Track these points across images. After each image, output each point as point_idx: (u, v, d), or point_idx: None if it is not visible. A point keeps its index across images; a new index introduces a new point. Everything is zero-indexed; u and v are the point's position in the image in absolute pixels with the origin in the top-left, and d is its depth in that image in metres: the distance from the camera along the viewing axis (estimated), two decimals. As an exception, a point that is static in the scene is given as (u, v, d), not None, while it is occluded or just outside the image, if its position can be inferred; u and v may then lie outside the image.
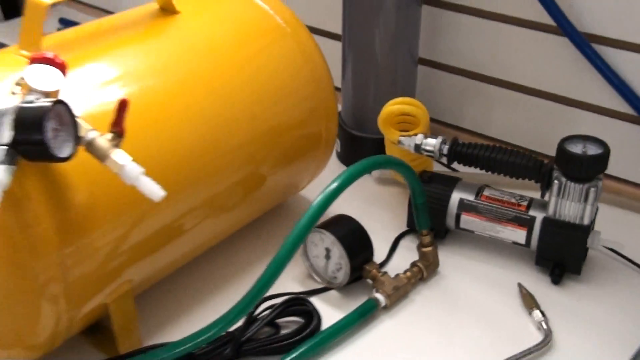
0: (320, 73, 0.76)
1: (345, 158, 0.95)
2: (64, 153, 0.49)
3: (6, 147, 0.48)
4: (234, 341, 0.65)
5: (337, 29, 0.92)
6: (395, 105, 0.79)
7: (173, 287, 0.73)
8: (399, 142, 0.79)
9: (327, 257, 0.73)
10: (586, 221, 0.71)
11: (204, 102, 0.66)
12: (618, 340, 0.67)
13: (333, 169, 0.81)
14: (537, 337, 0.67)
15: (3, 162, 0.47)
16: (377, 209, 0.84)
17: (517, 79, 0.90)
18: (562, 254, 0.74)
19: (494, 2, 0.88)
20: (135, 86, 0.61)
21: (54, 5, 0.60)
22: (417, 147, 0.78)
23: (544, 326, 0.68)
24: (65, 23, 1.37)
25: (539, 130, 0.90)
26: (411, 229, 0.81)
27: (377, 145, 0.86)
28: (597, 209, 0.74)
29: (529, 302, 0.71)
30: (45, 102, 0.48)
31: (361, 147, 0.92)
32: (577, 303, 0.72)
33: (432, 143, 0.77)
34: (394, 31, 0.87)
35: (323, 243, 0.73)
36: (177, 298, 0.72)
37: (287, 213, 0.84)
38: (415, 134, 0.78)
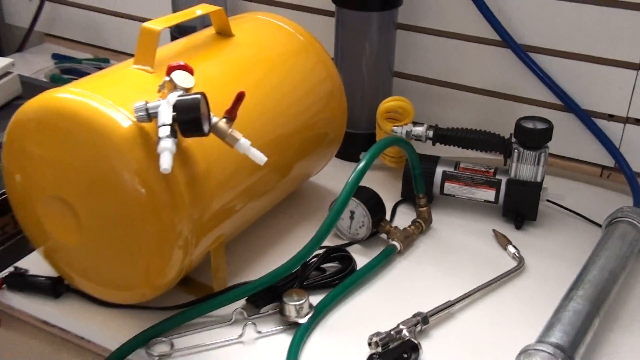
0: (337, 83, 0.98)
1: (341, 152, 1.17)
2: (206, 130, 0.69)
3: (170, 125, 0.67)
4: (298, 279, 0.85)
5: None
6: (390, 102, 1.03)
7: (242, 242, 0.93)
8: (393, 131, 1.02)
9: (352, 217, 0.94)
10: (539, 179, 0.97)
11: (261, 103, 0.86)
12: (568, 263, 0.92)
13: (332, 162, 1.05)
14: (512, 264, 0.92)
15: (170, 136, 0.67)
16: (375, 186, 1.07)
17: (470, 82, 1.16)
18: (522, 206, 0.99)
19: (450, 24, 1.13)
20: (221, 87, 0.81)
21: (162, 30, 0.79)
22: (408, 134, 1.02)
23: (517, 255, 0.93)
24: (58, 57, 1.52)
25: (488, 121, 1.16)
26: (405, 198, 1.04)
27: (366, 139, 1.09)
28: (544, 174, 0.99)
29: (504, 240, 0.95)
30: (196, 94, 0.68)
31: (353, 142, 1.14)
32: (535, 240, 0.97)
33: (419, 129, 1.01)
34: (376, 50, 1.10)
35: (348, 207, 0.94)
36: (247, 250, 0.92)
37: (300, 194, 1.05)
38: (406, 124, 1.02)
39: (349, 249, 0.93)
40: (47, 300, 0.84)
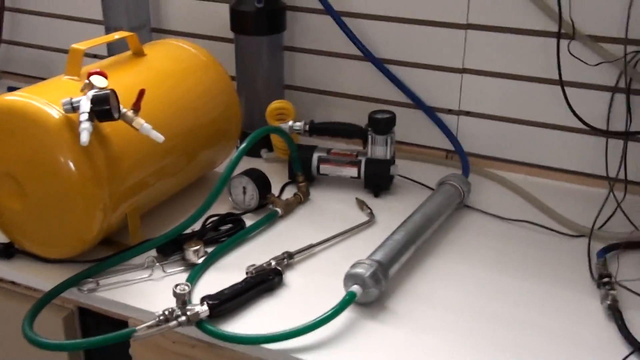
0: (231, 93, 1.24)
1: (244, 149, 1.43)
2: (116, 116, 0.94)
3: (88, 113, 0.92)
4: (197, 234, 1.10)
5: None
6: (275, 104, 1.29)
7: (157, 213, 1.17)
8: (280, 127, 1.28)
9: (244, 192, 1.20)
10: (389, 157, 1.23)
11: (166, 107, 1.12)
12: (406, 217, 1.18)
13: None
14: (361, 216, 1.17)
15: (89, 120, 0.92)
16: (269, 173, 1.31)
17: (343, 90, 1.43)
18: (378, 179, 1.25)
19: (324, 44, 1.41)
20: (131, 89, 1.07)
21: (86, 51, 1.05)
22: (291, 128, 1.28)
23: (370, 213, 1.18)
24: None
25: (359, 119, 1.41)
26: (291, 180, 1.30)
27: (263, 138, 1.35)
28: (394, 150, 1.26)
29: (361, 205, 1.21)
30: (107, 90, 0.94)
31: (254, 141, 1.40)
32: (388, 204, 1.22)
33: (298, 124, 1.28)
34: (267, 67, 1.37)
35: (241, 184, 1.19)
36: (160, 218, 1.16)
37: (208, 180, 1.30)
38: (288, 121, 1.29)
39: (243, 217, 1.18)
40: (1, 262, 1.07)
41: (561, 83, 1.19)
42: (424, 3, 1.29)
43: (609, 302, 0.94)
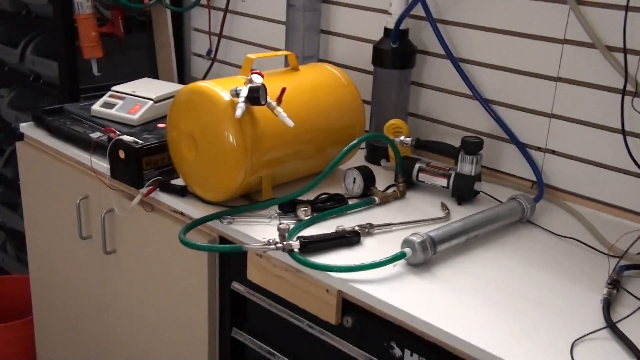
0: (359, 108, 1.60)
1: (367, 157, 1.76)
2: (262, 103, 1.34)
3: (244, 97, 1.33)
4: (309, 202, 1.45)
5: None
6: (392, 121, 1.63)
7: (284, 186, 1.54)
8: (395, 140, 1.61)
9: (354, 182, 1.53)
10: (474, 174, 1.51)
11: (303, 107, 1.50)
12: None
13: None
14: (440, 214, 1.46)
15: (244, 102, 1.32)
16: (382, 176, 1.63)
17: (452, 121, 1.73)
18: (462, 191, 1.53)
19: (443, 82, 1.72)
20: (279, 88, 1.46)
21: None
22: (401, 142, 1.60)
23: (447, 211, 1.47)
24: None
25: (458, 144, 1.70)
26: (395, 183, 1.61)
27: (384, 150, 1.68)
28: (479, 170, 1.53)
29: (443, 207, 1.50)
30: (258, 84, 1.34)
31: (376, 151, 1.74)
32: (467, 211, 1.49)
33: (408, 139, 1.60)
34: (395, 96, 1.71)
35: (353, 175, 1.53)
36: (285, 190, 1.53)
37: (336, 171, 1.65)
38: (401, 136, 1.61)
39: (349, 200, 1.52)
40: (178, 199, 1.50)
41: (623, 132, 1.41)
42: (526, 57, 1.57)
43: (605, 295, 1.16)
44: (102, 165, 1.64)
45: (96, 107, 1.84)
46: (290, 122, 1.37)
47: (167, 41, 2.33)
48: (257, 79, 1.38)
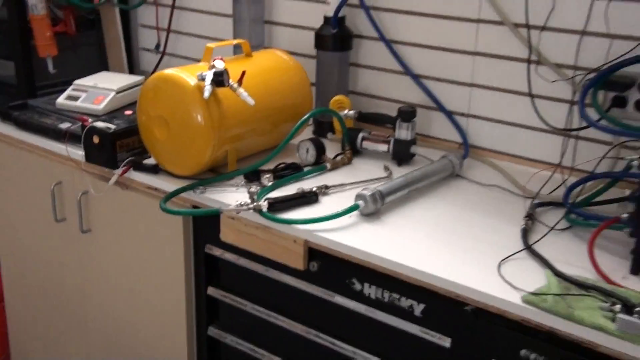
0: (307, 87, 1.81)
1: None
2: (226, 84, 1.53)
3: (211, 80, 1.51)
4: (271, 170, 1.65)
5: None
6: (336, 97, 1.84)
7: (247, 159, 1.73)
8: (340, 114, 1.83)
9: (307, 152, 1.74)
10: (410, 139, 1.74)
11: (260, 87, 1.70)
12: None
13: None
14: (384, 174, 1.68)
15: (210, 85, 1.51)
16: (330, 146, 1.85)
17: (389, 95, 1.96)
18: (401, 154, 1.76)
19: (378, 62, 1.95)
20: (238, 72, 1.65)
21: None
22: (345, 115, 1.82)
23: (390, 171, 1.69)
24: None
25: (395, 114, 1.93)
26: (342, 151, 1.83)
27: (328, 123, 1.90)
28: (414, 135, 1.76)
29: (386, 168, 1.73)
30: (222, 69, 1.53)
31: (323, 125, 1.95)
32: (404, 170, 1.72)
33: (351, 112, 1.81)
34: (337, 76, 1.93)
35: (306, 146, 1.74)
36: (248, 162, 1.72)
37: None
38: (345, 110, 1.83)
39: (304, 168, 1.73)
40: (151, 176, 1.67)
41: (531, 95, 1.67)
42: (448, 35, 1.81)
43: (522, 226, 1.41)
44: (74, 152, 1.79)
45: (61, 100, 1.99)
46: (251, 101, 1.57)
47: (116, 38, 2.47)
48: (220, 64, 1.56)
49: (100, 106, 1.93)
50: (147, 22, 2.49)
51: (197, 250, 1.68)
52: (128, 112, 1.87)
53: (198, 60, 1.71)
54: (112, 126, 1.70)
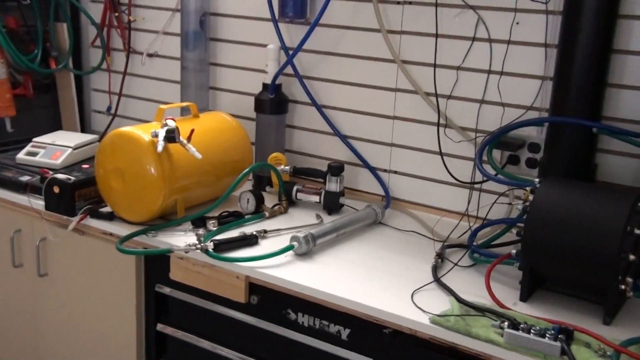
0: (247, 146, 2.03)
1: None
2: (177, 141, 1.73)
3: (164, 137, 1.71)
4: (215, 217, 1.84)
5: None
6: (273, 154, 2.06)
7: (194, 207, 1.91)
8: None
9: (248, 202, 1.94)
10: (339, 191, 1.96)
11: (206, 144, 1.90)
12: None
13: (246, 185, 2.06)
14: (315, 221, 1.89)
15: (163, 141, 1.70)
16: (268, 198, 2.05)
17: (320, 154, 2.19)
18: (330, 204, 1.97)
19: (311, 124, 2.18)
20: (187, 130, 1.85)
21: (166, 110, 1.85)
22: (282, 170, 2.03)
23: (321, 219, 1.90)
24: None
25: (324, 169, 2.16)
26: (279, 202, 2.03)
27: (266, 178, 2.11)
28: (343, 188, 1.98)
29: (317, 216, 1.94)
30: (173, 127, 1.73)
31: (261, 180, 2.15)
32: (333, 218, 1.94)
33: (287, 168, 2.03)
34: (274, 136, 2.15)
35: (246, 197, 1.94)
36: (195, 209, 1.90)
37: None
38: (281, 166, 2.04)
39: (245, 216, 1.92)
40: (107, 222, 1.83)
41: (441, 154, 1.92)
42: (371, 102, 2.06)
43: (433, 263, 1.63)
44: (33, 202, 1.94)
45: (21, 155, 2.14)
46: (198, 155, 1.77)
47: (71, 100, 2.64)
48: (171, 123, 1.76)
49: (58, 161, 2.09)
50: (98, 86, 2.68)
51: (147, 290, 1.83)
52: (85, 166, 2.04)
53: (147, 121, 1.90)
54: (72, 178, 1.87)
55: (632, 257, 1.40)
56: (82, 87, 2.72)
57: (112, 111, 2.63)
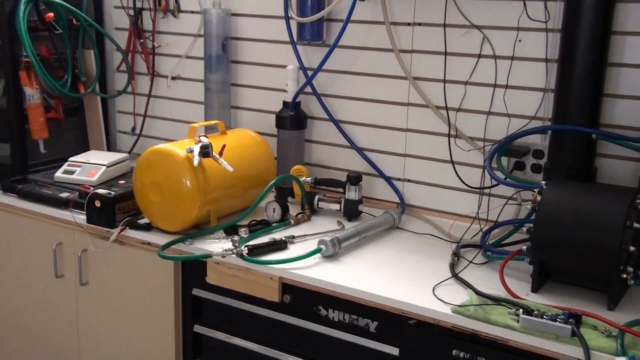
0: (271, 160, 2.17)
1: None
2: (211, 156, 1.87)
3: (199, 152, 1.85)
4: (246, 225, 1.97)
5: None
6: (295, 167, 2.20)
7: (226, 217, 2.05)
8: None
9: (274, 211, 2.08)
10: (357, 199, 2.10)
11: (235, 158, 2.04)
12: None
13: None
14: (337, 227, 2.03)
15: (198, 156, 1.84)
16: (291, 207, 2.19)
17: (338, 165, 2.33)
18: (350, 211, 2.11)
19: (328, 138, 2.33)
20: (219, 146, 1.99)
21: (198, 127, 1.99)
22: (304, 181, 2.17)
23: (342, 225, 2.04)
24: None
25: (344, 179, 2.30)
26: (302, 211, 2.16)
27: (289, 189, 2.24)
28: (361, 196, 2.12)
29: (339, 223, 2.07)
30: (207, 143, 1.87)
31: (283, 191, 2.29)
32: (350, 225, 2.07)
33: (309, 179, 2.17)
34: (294, 150, 2.30)
35: (272, 206, 2.07)
36: (227, 219, 2.04)
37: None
38: (303, 177, 2.18)
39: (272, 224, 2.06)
40: (145, 233, 1.97)
41: (452, 162, 2.07)
42: (385, 116, 2.21)
43: (450, 261, 1.77)
44: (71, 216, 2.07)
45: (59, 174, 2.28)
46: (230, 168, 1.91)
47: (98, 122, 2.78)
48: (205, 140, 1.91)
49: (94, 178, 2.23)
50: (123, 108, 2.83)
51: (184, 294, 1.97)
52: (122, 182, 2.18)
53: (172, 140, 2.04)
54: (112, 192, 2.00)
55: (632, 248, 1.54)
56: (107, 110, 2.86)
57: (137, 131, 2.77)
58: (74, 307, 2.20)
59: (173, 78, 2.64)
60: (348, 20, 2.06)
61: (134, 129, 2.79)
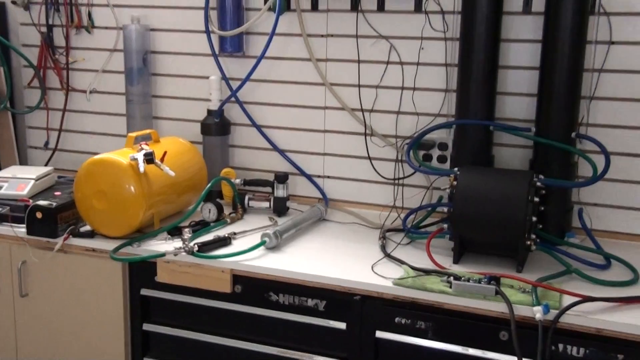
0: (201, 162, 2.28)
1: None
2: (154, 162, 1.96)
3: (143, 159, 1.93)
4: (188, 226, 2.08)
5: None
6: (225, 169, 2.32)
7: (167, 219, 2.13)
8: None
9: (209, 212, 2.19)
10: (285, 196, 2.26)
11: (172, 167, 2.14)
12: (297, 225, 2.20)
13: (206, 196, 2.32)
14: (270, 223, 2.18)
15: (142, 162, 1.93)
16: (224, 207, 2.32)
17: (262, 167, 2.48)
18: (279, 208, 2.27)
19: (252, 142, 2.47)
20: (159, 153, 2.08)
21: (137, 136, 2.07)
22: (233, 182, 2.30)
23: (275, 220, 2.19)
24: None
25: (271, 179, 2.46)
26: (234, 210, 2.29)
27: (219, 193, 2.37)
28: (288, 194, 2.28)
29: (270, 219, 2.23)
30: (150, 150, 1.96)
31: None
32: (280, 220, 2.23)
33: (238, 180, 2.30)
34: (219, 155, 2.42)
35: (208, 207, 2.19)
36: (169, 221, 2.12)
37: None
38: (233, 178, 2.31)
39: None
40: (89, 239, 2.02)
41: (369, 157, 2.29)
42: (304, 119, 2.39)
43: (380, 243, 1.98)
44: (9, 229, 2.08)
45: (-15, 190, 2.25)
46: (172, 173, 2.01)
47: (9, 138, 2.74)
48: (147, 148, 1.99)
49: (25, 192, 2.23)
50: (34, 124, 2.81)
51: (133, 295, 2.03)
52: (57, 193, 2.20)
53: (89, 154, 2.13)
54: (54, 203, 2.03)
55: (534, 219, 1.82)
56: (17, 125, 2.82)
57: (51, 146, 2.77)
58: (12, 318, 2.19)
59: (91, 92, 2.66)
60: (273, 33, 2.22)
61: (47, 143, 2.78)
